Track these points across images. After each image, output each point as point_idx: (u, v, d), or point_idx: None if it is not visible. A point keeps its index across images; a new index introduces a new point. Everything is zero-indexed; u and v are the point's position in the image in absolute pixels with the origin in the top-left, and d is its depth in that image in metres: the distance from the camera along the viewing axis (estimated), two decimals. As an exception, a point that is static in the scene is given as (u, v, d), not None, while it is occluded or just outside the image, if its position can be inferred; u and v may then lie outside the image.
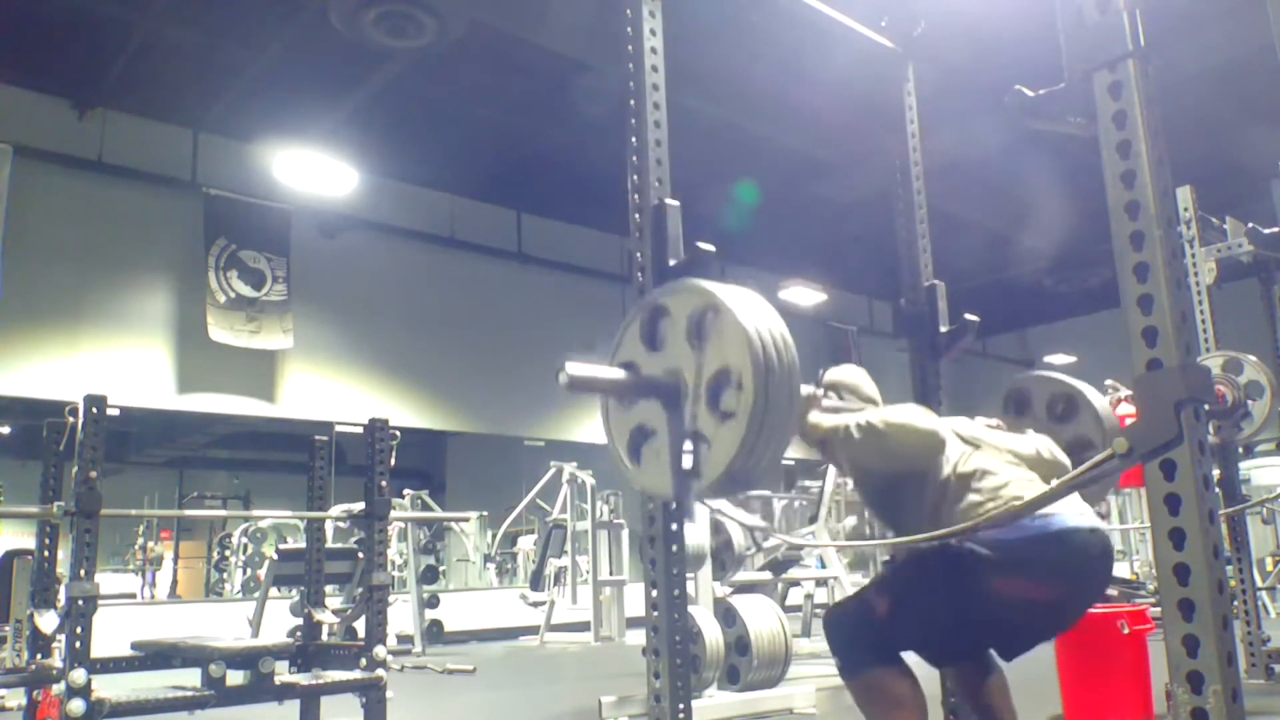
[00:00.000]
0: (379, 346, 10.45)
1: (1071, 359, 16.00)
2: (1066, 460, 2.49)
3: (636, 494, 2.41)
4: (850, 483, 2.53)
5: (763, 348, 1.77)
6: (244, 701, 3.03)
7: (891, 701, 2.17)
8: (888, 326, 14.73)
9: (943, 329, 3.04)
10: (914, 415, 2.36)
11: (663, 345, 1.99)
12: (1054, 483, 1.98)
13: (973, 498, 2.18)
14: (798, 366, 1.81)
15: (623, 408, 2.08)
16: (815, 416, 2.40)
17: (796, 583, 7.79)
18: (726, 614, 4.65)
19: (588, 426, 11.97)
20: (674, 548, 2.33)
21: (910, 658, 2.23)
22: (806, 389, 2.36)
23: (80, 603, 2.88)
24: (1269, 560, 9.77)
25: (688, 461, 1.88)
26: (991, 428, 2.57)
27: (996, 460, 2.29)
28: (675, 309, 1.96)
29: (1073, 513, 2.13)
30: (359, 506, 3.79)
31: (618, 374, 2.02)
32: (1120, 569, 10.31)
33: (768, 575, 6.53)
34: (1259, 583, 7.25)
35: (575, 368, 1.92)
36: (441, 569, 10.48)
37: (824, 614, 2.41)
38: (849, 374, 2.69)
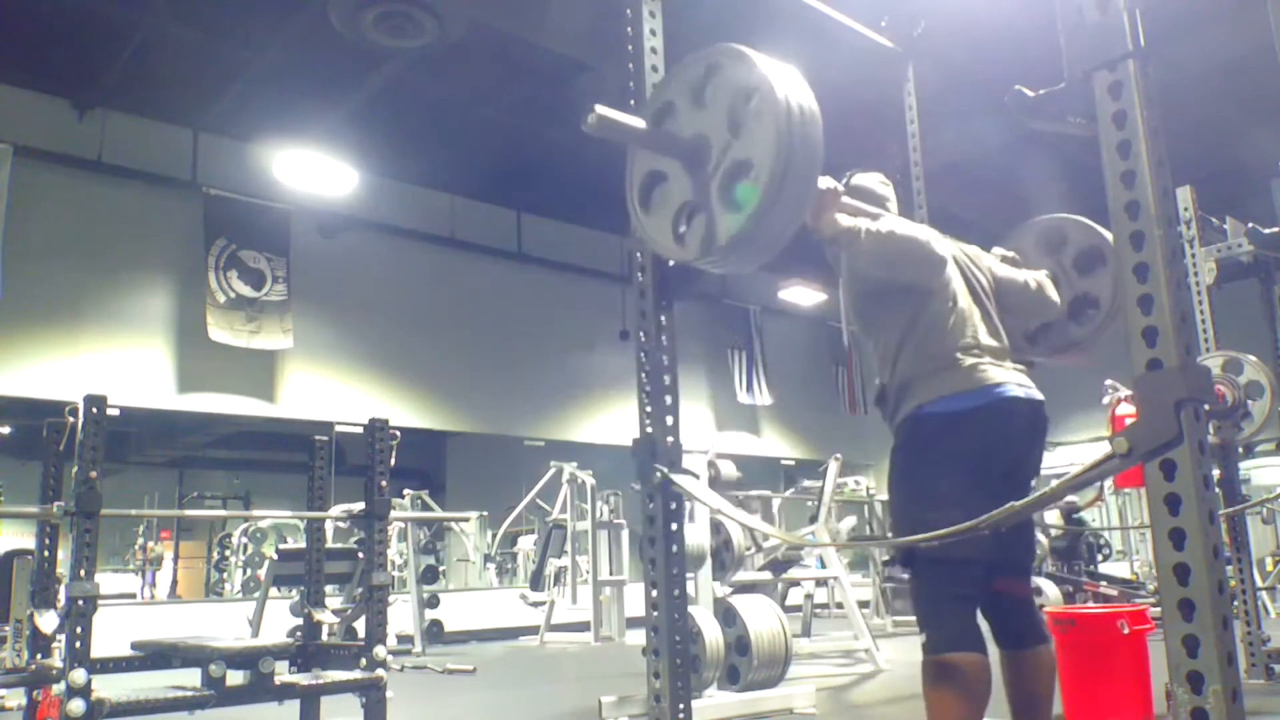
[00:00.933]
0: (379, 346, 10.46)
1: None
2: (1055, 297, 2.62)
3: (636, 494, 2.41)
4: (844, 294, 2.55)
5: (790, 150, 1.78)
6: (244, 701, 3.03)
7: (958, 700, 2.15)
8: (888, 326, 14.69)
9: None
10: (926, 234, 2.44)
11: (705, 103, 2.00)
12: (1053, 483, 2.00)
13: (932, 349, 2.31)
14: (818, 170, 1.86)
15: (648, 151, 2.12)
16: (831, 213, 2.42)
17: (796, 583, 7.79)
18: (726, 614, 4.65)
19: (588, 426, 11.99)
20: (674, 548, 2.34)
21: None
22: (827, 182, 2.38)
23: (80, 603, 2.88)
24: (1269, 560, 9.76)
25: (687, 227, 1.91)
26: (1006, 259, 2.67)
27: (975, 313, 2.39)
28: (726, 71, 1.96)
29: (1015, 385, 2.30)
30: (359, 506, 3.79)
31: (642, 125, 2.05)
32: (1120, 569, 10.31)
33: (768, 575, 6.53)
34: (1259, 583, 7.24)
35: (603, 109, 1.95)
36: (441, 569, 10.48)
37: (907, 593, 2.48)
38: (873, 181, 2.71)
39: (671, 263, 2.33)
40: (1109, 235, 2.67)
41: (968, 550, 2.13)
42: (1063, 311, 2.68)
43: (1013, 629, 2.41)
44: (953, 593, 2.24)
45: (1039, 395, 2.35)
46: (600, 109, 1.91)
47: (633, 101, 2.53)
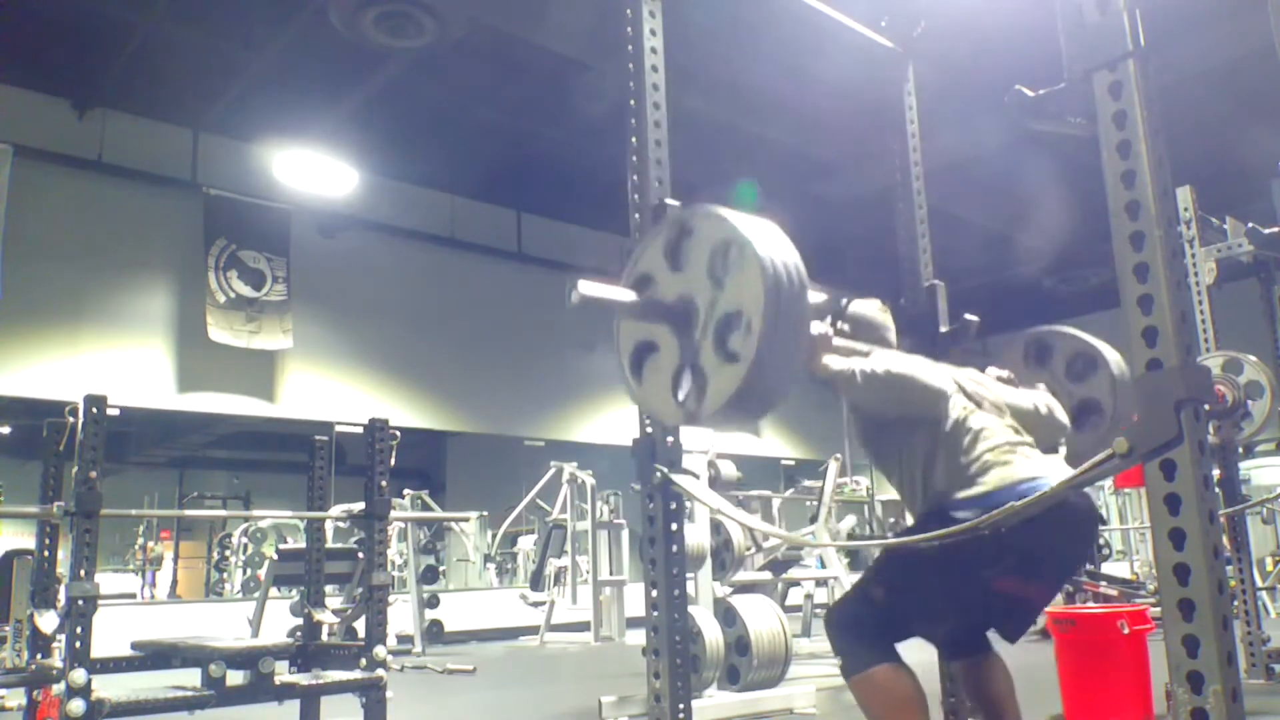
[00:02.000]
0: (379, 346, 10.45)
1: (1071, 359, 15.97)
2: (1065, 419, 2.53)
3: (636, 494, 2.41)
4: (853, 430, 2.52)
5: (778, 292, 1.76)
6: (244, 701, 3.03)
7: (893, 700, 2.17)
8: (888, 326, 14.69)
9: (943, 329, 3.05)
10: (920, 369, 2.39)
11: (683, 266, 1.99)
12: (1047, 478, 2.01)
13: (962, 459, 2.23)
14: (809, 308, 1.83)
15: (634, 320, 2.10)
16: (825, 357, 2.41)
17: (796, 583, 7.79)
18: (726, 614, 4.65)
19: (588, 426, 11.98)
20: (674, 548, 2.34)
21: (914, 655, 2.23)
22: (819, 327, 2.38)
23: (80, 603, 2.88)
24: (1269, 560, 9.77)
25: (686, 387, 1.90)
26: (1002, 379, 2.61)
27: (995, 421, 2.32)
28: (701, 233, 1.95)
29: (1057, 477, 2.10)
30: (359, 506, 3.79)
31: (629, 296, 2.03)
32: (1120, 569, 10.31)
33: (768, 575, 6.52)
34: (1259, 583, 7.24)
35: (586, 286, 1.94)
36: (441, 569, 10.47)
37: (825, 613, 2.41)
38: (870, 310, 2.70)
39: (669, 424, 2.30)
40: (1095, 341, 2.67)
41: (939, 615, 2.21)
42: (1057, 439, 2.60)
43: (960, 646, 2.46)
44: (899, 626, 2.26)
45: (1087, 489, 2.25)
46: (582, 285, 1.90)
47: (632, 101, 2.53)
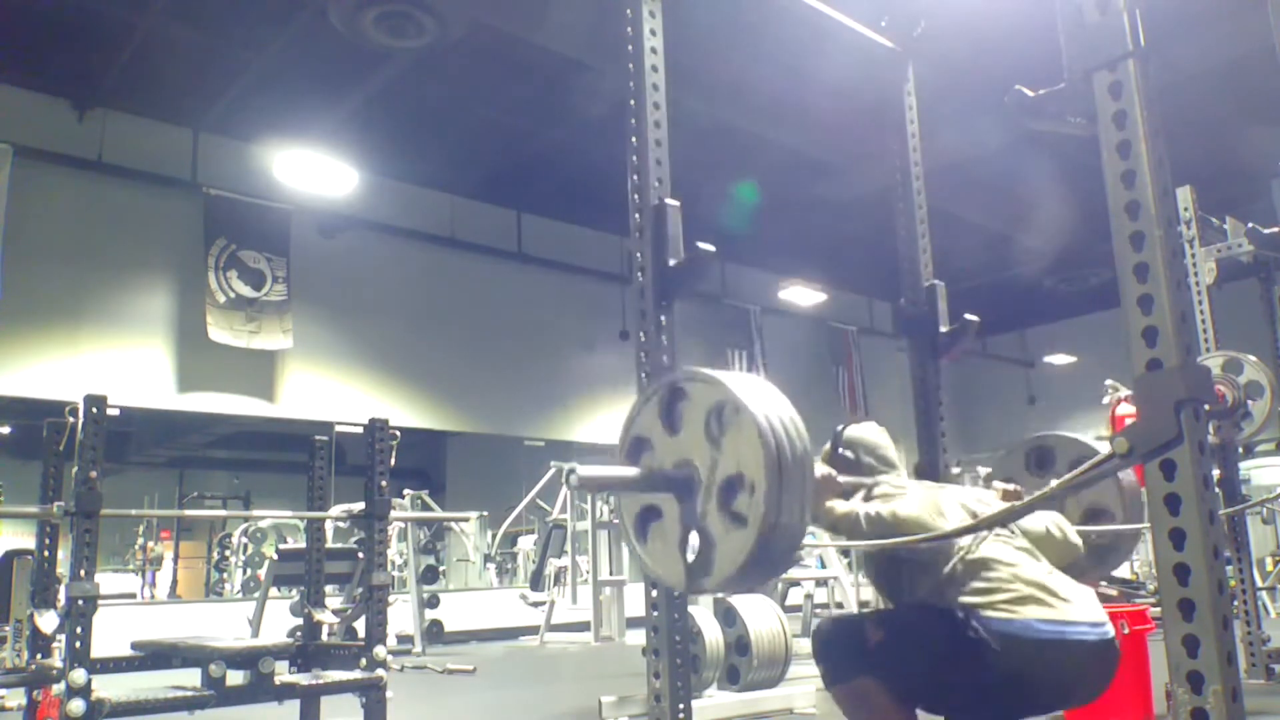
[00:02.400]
0: (379, 346, 10.45)
1: (1072, 359, 15.99)
2: (1077, 539, 2.47)
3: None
4: (866, 569, 2.50)
5: (778, 453, 1.73)
6: (244, 701, 3.03)
7: (877, 710, 2.17)
8: (888, 326, 14.72)
9: (943, 329, 3.05)
10: (925, 509, 2.33)
11: (680, 429, 1.96)
12: (1053, 483, 1.99)
13: (980, 584, 2.17)
14: (812, 467, 1.78)
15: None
16: (829, 502, 2.39)
17: (796, 583, 7.79)
18: (726, 614, 4.65)
19: (588, 426, 11.98)
20: (674, 548, 2.33)
21: None
22: (821, 470, 2.36)
23: (80, 603, 2.88)
24: (1269, 560, 9.76)
25: (692, 557, 1.87)
26: (1009, 492, 2.56)
27: (1007, 548, 2.26)
28: (694, 395, 1.92)
29: (1085, 619, 2.12)
30: (359, 506, 3.79)
31: (630, 473, 1.98)
32: (1120, 569, 10.30)
33: (768, 575, 6.52)
34: (1259, 583, 7.24)
35: (585, 470, 1.88)
36: (441, 569, 10.48)
37: (814, 627, 2.41)
38: (868, 433, 2.65)
39: (681, 591, 2.26)
40: (1092, 442, 2.65)
41: (933, 696, 2.19)
42: (1083, 550, 2.55)
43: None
44: (877, 671, 2.22)
45: (1109, 630, 2.15)
46: (581, 470, 1.86)
47: (632, 101, 2.53)
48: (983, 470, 2.65)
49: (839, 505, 2.39)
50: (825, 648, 2.32)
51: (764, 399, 1.81)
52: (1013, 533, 2.36)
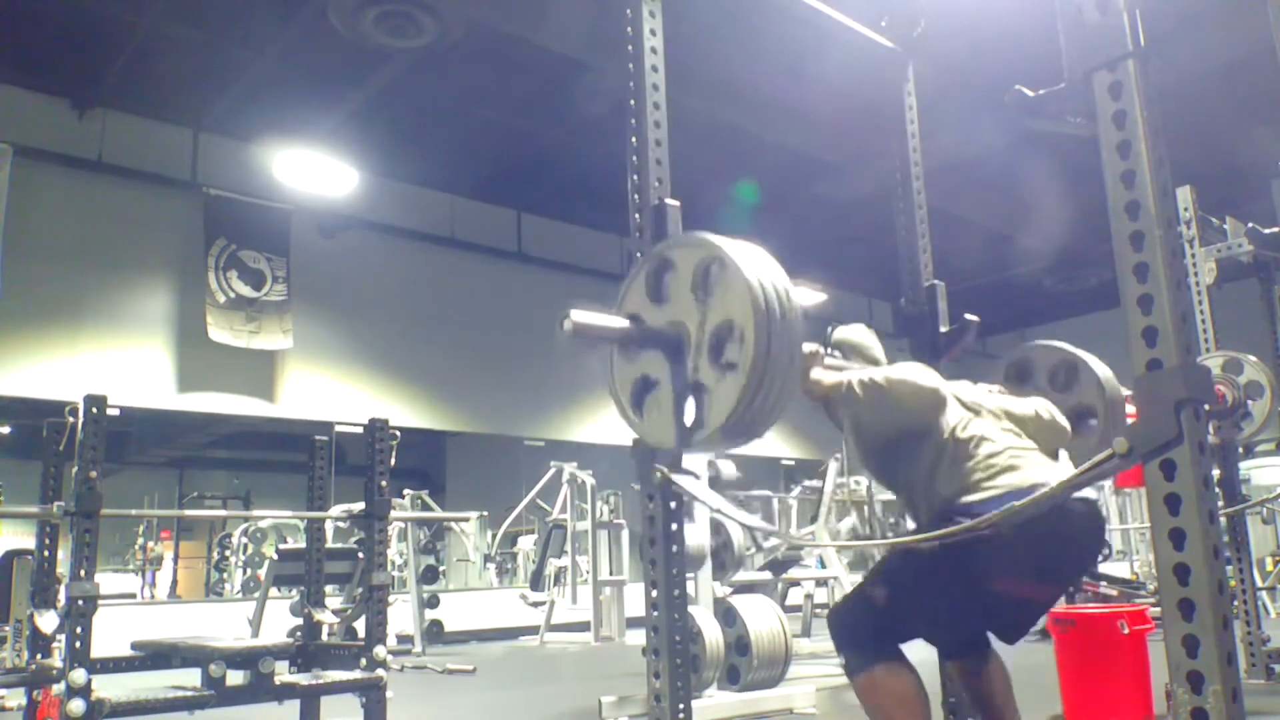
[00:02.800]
0: (379, 346, 10.45)
1: (1071, 359, 15.94)
2: (1065, 423, 2.53)
3: (636, 494, 2.41)
4: (848, 443, 2.52)
5: (765, 300, 1.78)
6: (244, 701, 3.03)
7: (895, 699, 2.18)
8: (888, 326, 14.56)
9: (943, 329, 3.04)
10: (917, 373, 2.39)
11: (667, 298, 2.01)
12: (1053, 484, 1.99)
13: (967, 464, 2.22)
14: (800, 319, 1.83)
15: (626, 359, 2.11)
16: (817, 373, 2.41)
17: (796, 583, 7.79)
18: (726, 614, 4.65)
19: (588, 426, 11.98)
20: (674, 548, 2.33)
21: (914, 654, 2.23)
22: (809, 346, 2.36)
23: (80, 603, 2.88)
24: (1269, 560, 9.77)
25: (690, 413, 1.90)
26: (994, 392, 2.61)
27: (994, 427, 2.32)
28: (680, 261, 1.98)
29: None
30: (359, 506, 3.79)
31: (621, 323, 2.03)
32: (1120, 569, 10.31)
33: (768, 575, 6.53)
34: (1259, 583, 7.24)
35: (579, 315, 1.94)
36: (441, 569, 10.48)
37: (828, 613, 2.42)
38: (856, 333, 2.71)
39: (678, 451, 2.22)
40: (1071, 348, 2.70)
41: (940, 619, 2.22)
42: (1063, 443, 2.57)
43: (960, 647, 2.47)
44: (902, 629, 2.26)
45: (1093, 494, 2.21)
46: (575, 314, 1.91)
47: (632, 101, 2.53)
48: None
49: (827, 376, 2.40)
50: (841, 633, 2.33)
51: (748, 255, 1.87)
52: (1000, 418, 2.40)
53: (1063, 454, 2.49)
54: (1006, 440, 2.28)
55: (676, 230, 2.41)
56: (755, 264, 1.85)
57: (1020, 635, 2.34)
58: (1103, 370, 2.65)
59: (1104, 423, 2.63)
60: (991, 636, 2.41)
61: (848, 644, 2.29)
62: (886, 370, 2.40)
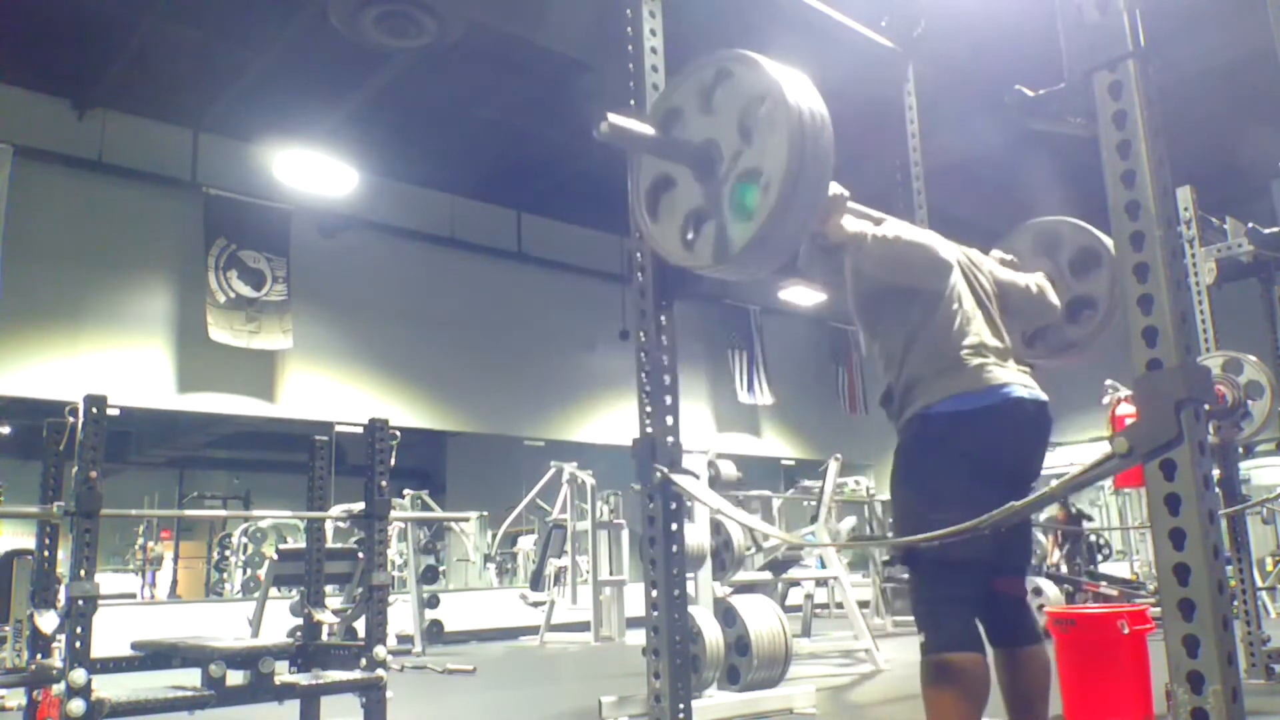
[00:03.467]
0: (379, 346, 10.45)
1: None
2: (1056, 300, 2.66)
3: (636, 494, 2.41)
4: (849, 297, 2.58)
5: (801, 163, 1.79)
6: (244, 701, 3.03)
7: (955, 701, 2.16)
8: (888, 326, 14.68)
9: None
10: (931, 239, 2.50)
11: (714, 110, 1.99)
12: (1053, 483, 2.01)
13: (939, 348, 2.33)
14: (828, 180, 1.86)
15: (654, 158, 2.13)
16: (839, 218, 2.46)
17: (796, 583, 7.79)
18: (726, 614, 4.65)
19: (588, 426, 11.99)
20: (674, 548, 2.34)
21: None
22: (835, 188, 2.37)
23: (80, 603, 2.88)
24: (1269, 560, 9.77)
25: (695, 235, 1.94)
26: (1004, 262, 2.72)
27: (980, 318, 2.41)
28: (738, 77, 1.95)
29: (1020, 385, 2.32)
30: (359, 506, 3.78)
31: (651, 132, 2.03)
32: (1120, 569, 10.31)
33: (768, 575, 6.53)
34: (1259, 583, 7.25)
35: (617, 119, 1.92)
36: (441, 569, 10.47)
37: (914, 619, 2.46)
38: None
39: (675, 264, 2.31)
40: (1104, 237, 2.73)
41: (967, 551, 2.12)
42: (1061, 314, 2.72)
43: (1007, 629, 2.41)
44: (952, 594, 2.25)
45: (1043, 396, 2.36)
46: (613, 117, 1.89)
47: (633, 101, 2.53)
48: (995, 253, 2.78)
49: (848, 223, 2.47)
50: (916, 611, 2.34)
51: (803, 100, 1.85)
52: (991, 301, 2.49)
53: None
54: (984, 335, 2.37)
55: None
56: (804, 119, 1.83)
57: (1024, 551, 2.48)
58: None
59: (1102, 318, 2.75)
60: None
61: (923, 621, 2.29)
62: (903, 228, 2.49)
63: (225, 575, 12.66)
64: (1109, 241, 2.66)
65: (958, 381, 2.29)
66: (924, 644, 2.24)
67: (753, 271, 2.05)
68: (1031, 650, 2.40)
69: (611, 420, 11.88)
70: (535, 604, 9.75)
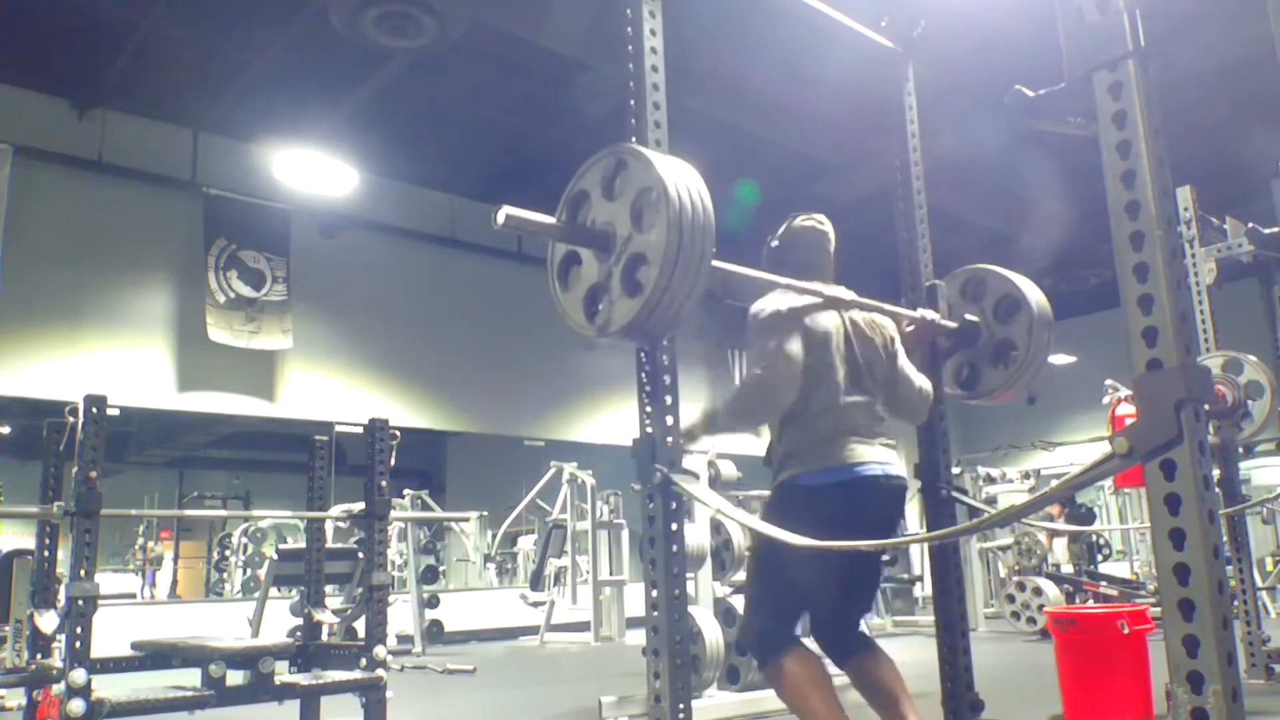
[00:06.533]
0: (379, 346, 10.45)
1: (1072, 359, 15.98)
2: (925, 415, 2.83)
3: (636, 494, 2.42)
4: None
5: (679, 249, 2.01)
6: (244, 701, 3.03)
7: (804, 683, 2.43)
8: (888, 326, 14.67)
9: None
10: (779, 376, 2.56)
11: (615, 196, 2.22)
12: (1054, 483, 2.04)
13: (811, 430, 2.57)
14: (708, 258, 2.07)
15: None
16: (700, 437, 2.69)
17: (796, 583, 7.78)
18: (726, 614, 4.65)
19: (588, 426, 11.98)
20: (674, 548, 2.34)
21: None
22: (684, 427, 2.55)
23: (80, 603, 2.88)
24: (1269, 560, 9.77)
25: (599, 305, 2.19)
26: (925, 321, 2.87)
27: (854, 394, 2.60)
28: (633, 169, 2.19)
29: (876, 464, 2.57)
30: (359, 506, 3.79)
31: (549, 221, 2.29)
32: (1120, 569, 10.31)
33: (768, 575, 6.52)
34: (1259, 583, 7.25)
35: (513, 211, 2.15)
36: (441, 569, 10.48)
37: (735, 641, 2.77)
38: (811, 222, 2.99)
39: (579, 334, 2.50)
40: (1024, 285, 2.94)
41: (811, 583, 2.49)
42: (921, 421, 2.88)
43: (842, 647, 2.68)
44: (784, 609, 2.58)
45: (896, 472, 2.61)
46: (507, 209, 2.11)
47: (632, 101, 2.53)
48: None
49: (699, 430, 2.66)
50: (746, 641, 2.68)
51: (687, 187, 2.08)
52: (875, 366, 2.66)
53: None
54: (853, 414, 2.58)
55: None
56: (685, 201, 2.04)
57: (869, 597, 2.88)
58: (1040, 312, 2.92)
59: (1021, 362, 2.92)
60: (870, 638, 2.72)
61: (753, 647, 2.60)
62: (746, 386, 2.60)
63: (225, 575, 12.67)
64: (1027, 289, 2.95)
65: (821, 459, 2.54)
66: (760, 663, 2.56)
67: (640, 342, 2.33)
68: (865, 659, 2.63)
69: (611, 420, 11.88)
70: (535, 604, 9.75)
